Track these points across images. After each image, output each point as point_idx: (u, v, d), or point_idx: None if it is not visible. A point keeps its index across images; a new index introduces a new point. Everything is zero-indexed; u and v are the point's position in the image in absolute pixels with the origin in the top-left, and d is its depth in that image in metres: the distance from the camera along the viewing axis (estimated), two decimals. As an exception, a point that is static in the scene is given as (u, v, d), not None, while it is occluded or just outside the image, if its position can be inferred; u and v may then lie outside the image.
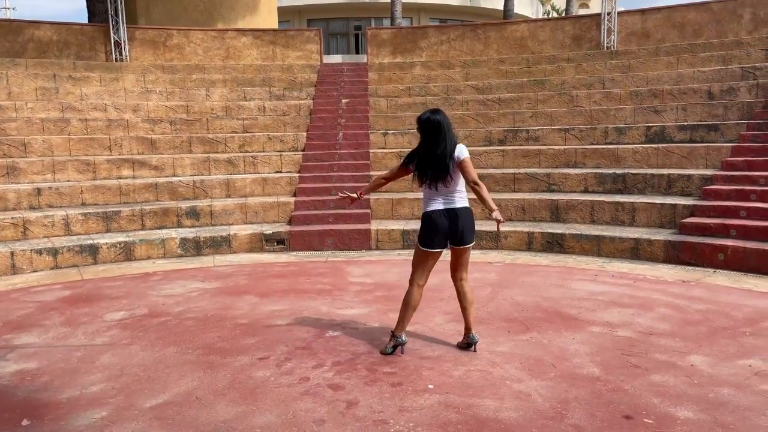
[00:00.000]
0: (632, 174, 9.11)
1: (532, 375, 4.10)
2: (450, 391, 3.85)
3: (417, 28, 16.25)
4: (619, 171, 9.29)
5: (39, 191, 9.00)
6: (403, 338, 4.49)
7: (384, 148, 11.23)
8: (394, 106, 12.46)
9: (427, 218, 4.37)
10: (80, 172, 9.80)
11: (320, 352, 4.57)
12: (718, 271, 7.01)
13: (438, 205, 4.37)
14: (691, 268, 7.19)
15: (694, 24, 13.19)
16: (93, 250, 8.13)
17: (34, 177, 9.47)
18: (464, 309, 4.52)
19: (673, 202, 8.22)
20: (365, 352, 4.54)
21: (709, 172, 8.73)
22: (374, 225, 9.11)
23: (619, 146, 9.83)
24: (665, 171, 9.03)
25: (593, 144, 10.28)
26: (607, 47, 13.62)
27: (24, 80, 11.69)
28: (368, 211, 9.43)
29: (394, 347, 4.48)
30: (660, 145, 9.52)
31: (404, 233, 8.84)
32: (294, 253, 8.74)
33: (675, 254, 7.45)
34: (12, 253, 7.61)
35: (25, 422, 3.57)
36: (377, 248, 8.82)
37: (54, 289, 6.84)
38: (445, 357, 4.45)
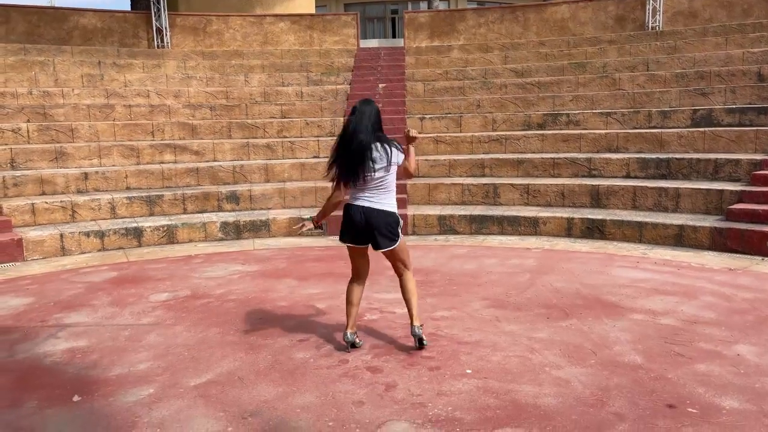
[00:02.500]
0: (677, 159, 8.86)
1: (572, 362, 4.06)
2: (488, 376, 3.85)
3: (454, 11, 16.06)
4: (662, 156, 9.05)
5: (86, 175, 9.27)
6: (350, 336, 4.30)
7: (421, 132, 11.17)
8: (431, 91, 12.37)
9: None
10: (125, 157, 10.05)
11: (358, 335, 4.61)
12: (766, 259, 6.80)
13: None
14: (737, 255, 6.99)
15: (743, 3, 12.68)
16: (137, 233, 8.35)
17: (81, 162, 9.76)
18: (407, 301, 4.28)
19: (719, 188, 7.97)
20: (403, 336, 4.56)
21: (759, 156, 8.42)
22: (411, 210, 9.11)
23: (663, 130, 9.56)
24: (712, 156, 8.76)
25: (636, 128, 10.02)
26: (652, 28, 13.21)
27: (70, 67, 12.00)
28: (405, 196, 9.43)
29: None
30: (707, 129, 9.23)
31: (441, 218, 8.82)
32: (331, 237, 8.80)
33: (721, 241, 7.24)
34: (61, 235, 7.88)
35: (76, 398, 3.71)
36: (413, 233, 8.82)
37: (101, 270, 7.06)
38: (483, 342, 4.44)
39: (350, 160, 4.04)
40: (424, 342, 4.31)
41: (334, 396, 3.63)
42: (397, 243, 4.19)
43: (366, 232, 4.13)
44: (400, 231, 4.22)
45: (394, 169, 4.17)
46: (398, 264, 4.30)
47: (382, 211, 4.12)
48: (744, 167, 8.33)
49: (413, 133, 4.31)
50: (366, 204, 4.11)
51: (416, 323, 4.24)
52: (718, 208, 7.86)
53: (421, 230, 8.87)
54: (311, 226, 4.23)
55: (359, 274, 4.33)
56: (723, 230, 7.25)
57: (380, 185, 4.12)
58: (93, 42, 13.41)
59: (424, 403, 3.51)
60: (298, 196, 9.64)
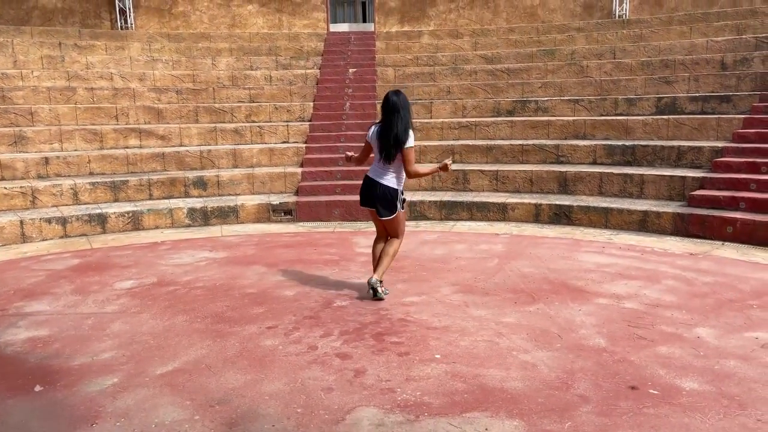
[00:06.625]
0: (642, 146, 9.02)
1: (539, 346, 4.12)
2: (457, 361, 3.88)
3: (425, -4, 15.97)
4: (628, 143, 9.20)
5: (47, 160, 9.01)
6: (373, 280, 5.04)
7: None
8: (402, 76, 12.33)
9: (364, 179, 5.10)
10: (87, 142, 9.80)
11: (328, 322, 4.61)
12: (726, 243, 6.99)
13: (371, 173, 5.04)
14: (699, 240, 7.17)
15: (708, -8, 12.92)
16: (102, 220, 8.17)
17: (41, 146, 9.48)
18: (379, 257, 5.12)
19: (682, 175, 8.15)
20: (372, 322, 4.57)
21: (720, 144, 8.63)
22: (381, 196, 9.08)
23: (629, 117, 9.72)
24: (675, 143, 8.94)
25: (603, 115, 10.16)
26: (619, 16, 13.39)
27: (29, 48, 11.61)
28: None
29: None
30: (671, 117, 9.41)
31: (411, 204, 8.83)
32: (301, 223, 8.76)
33: (683, 227, 7.42)
34: (21, 222, 7.66)
35: (37, 388, 3.63)
36: (384, 219, 8.81)
37: (64, 257, 6.90)
38: (451, 327, 4.48)
39: (386, 148, 4.90)
40: (379, 293, 4.99)
41: (303, 383, 3.62)
42: (393, 215, 4.98)
43: (371, 199, 4.98)
44: (399, 205, 4.98)
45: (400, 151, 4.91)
46: (390, 232, 5.15)
47: (383, 185, 4.93)
48: (706, 154, 8.53)
49: (450, 165, 5.14)
50: (374, 177, 4.98)
51: (375, 276, 5.00)
52: (681, 195, 8.05)
53: (391, 216, 8.85)
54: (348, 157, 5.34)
55: (380, 233, 5.25)
56: (685, 216, 7.43)
57: (389, 164, 4.94)
58: (53, 23, 13.01)
59: (393, 388, 3.53)
60: (267, 182, 9.54)
